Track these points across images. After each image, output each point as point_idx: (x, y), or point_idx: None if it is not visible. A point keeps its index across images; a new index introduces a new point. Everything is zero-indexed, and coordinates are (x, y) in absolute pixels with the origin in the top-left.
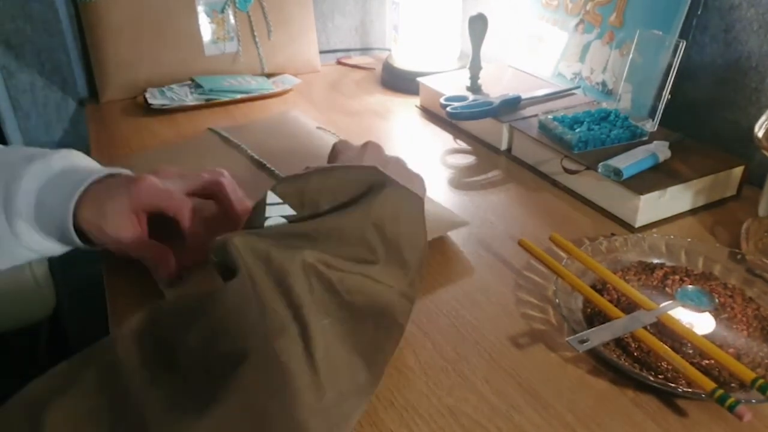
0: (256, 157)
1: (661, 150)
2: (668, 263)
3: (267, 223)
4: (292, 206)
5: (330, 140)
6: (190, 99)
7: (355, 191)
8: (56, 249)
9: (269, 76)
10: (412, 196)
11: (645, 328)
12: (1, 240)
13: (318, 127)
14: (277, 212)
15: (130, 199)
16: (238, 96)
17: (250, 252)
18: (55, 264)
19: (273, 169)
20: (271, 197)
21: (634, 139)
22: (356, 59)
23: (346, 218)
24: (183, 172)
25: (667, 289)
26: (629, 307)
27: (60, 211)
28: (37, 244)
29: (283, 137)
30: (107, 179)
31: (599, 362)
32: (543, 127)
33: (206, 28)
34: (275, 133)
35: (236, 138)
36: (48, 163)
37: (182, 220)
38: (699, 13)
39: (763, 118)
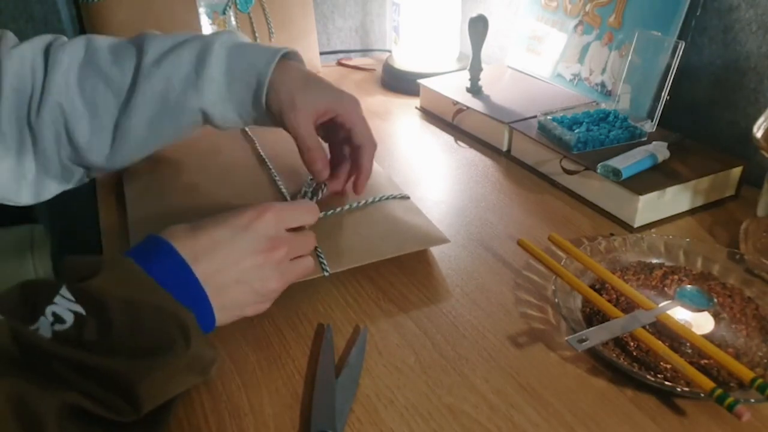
0: (263, 154)
1: (660, 150)
2: (667, 263)
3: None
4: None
5: None
6: None
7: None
8: (234, 117)
9: None
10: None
11: (644, 327)
12: (181, 105)
13: None
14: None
15: (337, 100)
16: None
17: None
18: (57, 258)
19: (272, 169)
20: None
21: (633, 139)
22: (356, 60)
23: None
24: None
25: (666, 288)
26: (628, 306)
27: (256, 72)
28: (217, 110)
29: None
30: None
31: (598, 361)
32: (542, 127)
33: (207, 30)
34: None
35: (253, 132)
36: (226, 36)
37: (365, 154)
38: (698, 14)
39: (761, 118)
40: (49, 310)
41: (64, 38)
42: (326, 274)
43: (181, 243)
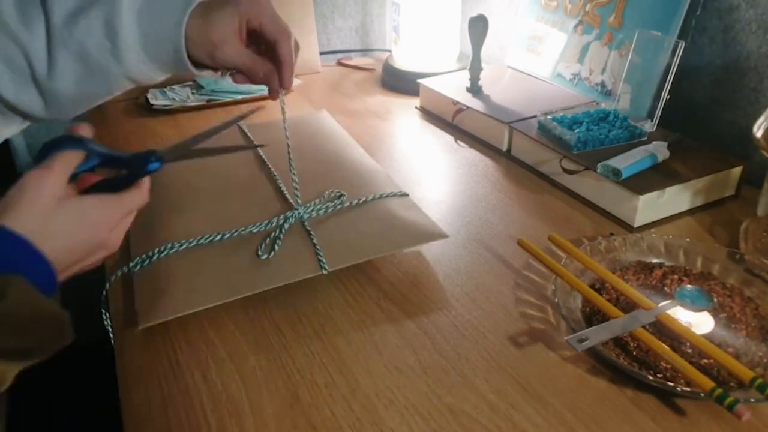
0: (262, 155)
1: (659, 150)
2: (667, 263)
3: None
4: None
5: (342, 143)
6: (192, 99)
7: None
8: (162, 75)
9: None
10: None
11: (644, 327)
12: (106, 72)
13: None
14: None
15: (238, 9)
16: (239, 97)
17: None
18: None
19: (272, 169)
20: None
21: (633, 139)
22: (356, 60)
23: None
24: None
25: (665, 288)
26: (628, 306)
27: (170, 35)
28: (143, 74)
29: (299, 137)
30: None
31: (598, 361)
32: (542, 127)
33: None
34: (292, 133)
35: (254, 135)
36: None
37: (282, 46)
38: (698, 14)
39: (761, 118)
40: None
41: None
42: (325, 272)
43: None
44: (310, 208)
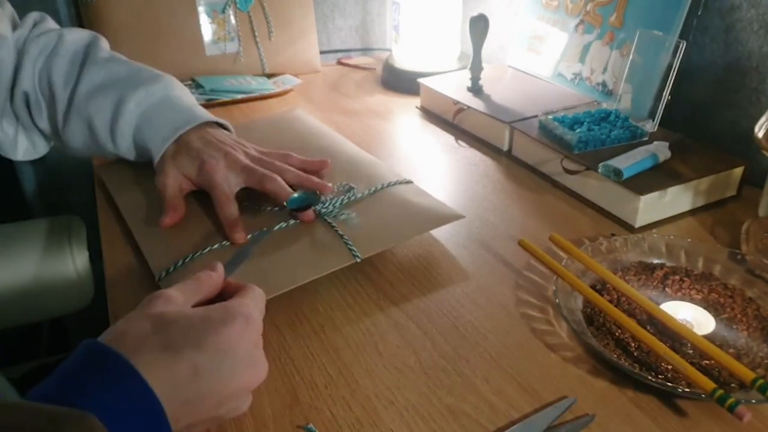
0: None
1: (661, 150)
2: (668, 263)
3: None
4: None
5: (332, 138)
6: None
7: None
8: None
9: (270, 76)
10: None
11: (645, 328)
12: (103, 146)
13: None
14: None
15: (182, 171)
16: (239, 96)
17: None
18: (94, 256)
19: None
20: None
21: (635, 139)
22: (357, 59)
23: None
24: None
25: (667, 289)
26: (629, 307)
27: (155, 143)
28: (134, 158)
29: (283, 136)
30: (202, 130)
31: (599, 362)
32: (543, 127)
33: (207, 29)
34: (275, 132)
35: (242, 133)
36: (150, 90)
37: (216, 205)
38: (699, 13)
39: (763, 118)
40: None
41: (48, 23)
42: (358, 260)
43: (154, 374)
44: (326, 203)
